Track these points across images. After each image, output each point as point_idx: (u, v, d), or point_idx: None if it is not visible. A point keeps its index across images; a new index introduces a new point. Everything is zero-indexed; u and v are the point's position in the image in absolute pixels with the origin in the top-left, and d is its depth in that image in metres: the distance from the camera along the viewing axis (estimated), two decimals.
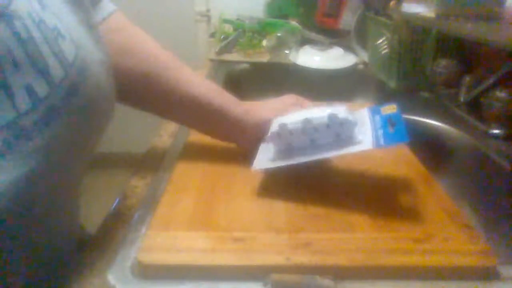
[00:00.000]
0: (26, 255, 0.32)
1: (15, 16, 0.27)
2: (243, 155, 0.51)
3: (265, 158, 0.46)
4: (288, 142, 0.45)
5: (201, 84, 0.49)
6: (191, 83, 0.48)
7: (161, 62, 0.48)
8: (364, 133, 0.43)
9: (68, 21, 0.33)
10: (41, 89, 0.27)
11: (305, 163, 0.43)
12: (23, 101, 0.26)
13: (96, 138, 0.36)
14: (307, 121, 0.43)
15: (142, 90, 0.48)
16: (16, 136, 0.26)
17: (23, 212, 0.28)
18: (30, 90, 0.27)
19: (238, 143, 0.52)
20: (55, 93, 0.28)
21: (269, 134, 0.46)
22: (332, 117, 0.42)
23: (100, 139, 0.38)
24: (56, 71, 0.28)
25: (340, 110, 0.43)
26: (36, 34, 0.28)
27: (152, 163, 0.53)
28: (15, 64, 0.26)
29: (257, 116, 0.49)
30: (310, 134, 0.43)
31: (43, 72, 0.28)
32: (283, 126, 0.44)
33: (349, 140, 0.43)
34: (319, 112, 0.44)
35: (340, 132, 0.43)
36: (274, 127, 0.45)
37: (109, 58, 0.37)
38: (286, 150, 0.45)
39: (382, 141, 0.40)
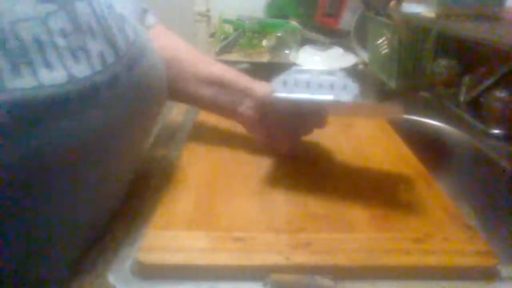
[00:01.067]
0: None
1: None
2: (243, 154, 0.51)
3: None
4: (290, 92, 0.45)
5: (215, 62, 0.57)
6: (206, 62, 0.56)
7: (182, 49, 0.57)
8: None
9: (130, 13, 0.39)
10: (110, 57, 0.32)
11: (299, 101, 0.45)
12: (97, 63, 0.31)
13: (150, 118, 0.42)
14: (316, 74, 0.45)
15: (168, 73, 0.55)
16: (89, 89, 0.30)
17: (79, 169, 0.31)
18: (102, 56, 0.32)
19: (244, 112, 0.53)
20: (119, 63, 0.33)
21: (276, 80, 0.46)
22: (339, 75, 0.44)
23: (154, 123, 0.44)
24: (121, 45, 0.34)
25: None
26: (107, 13, 0.34)
27: (152, 162, 0.53)
28: (93, 34, 0.32)
29: (265, 84, 0.52)
30: (313, 89, 0.44)
31: (112, 44, 0.33)
32: (291, 74, 0.45)
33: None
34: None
35: (341, 95, 0.44)
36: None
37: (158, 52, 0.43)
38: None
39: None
